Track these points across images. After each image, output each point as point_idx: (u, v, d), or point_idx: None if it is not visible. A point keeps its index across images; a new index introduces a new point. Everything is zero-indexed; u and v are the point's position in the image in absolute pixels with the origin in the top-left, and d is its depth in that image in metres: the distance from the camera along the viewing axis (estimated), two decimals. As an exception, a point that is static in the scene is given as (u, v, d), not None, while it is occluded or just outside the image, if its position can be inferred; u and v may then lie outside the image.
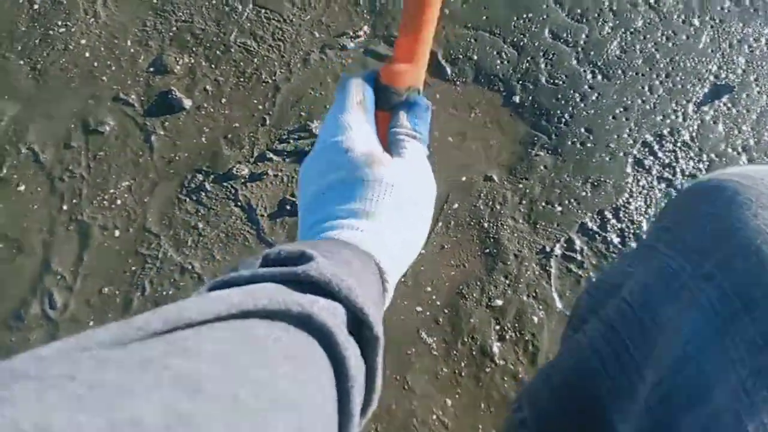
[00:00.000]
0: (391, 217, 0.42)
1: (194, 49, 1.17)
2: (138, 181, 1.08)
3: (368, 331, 0.34)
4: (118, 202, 1.06)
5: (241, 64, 1.16)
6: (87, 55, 1.18)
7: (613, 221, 1.04)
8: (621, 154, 1.10)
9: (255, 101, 1.13)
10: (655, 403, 0.40)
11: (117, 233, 1.04)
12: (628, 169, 1.09)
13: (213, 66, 1.16)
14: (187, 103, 1.12)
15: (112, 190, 1.07)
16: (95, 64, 1.17)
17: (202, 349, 0.24)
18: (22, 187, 1.08)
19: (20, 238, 1.04)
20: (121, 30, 1.20)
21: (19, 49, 1.19)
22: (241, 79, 1.15)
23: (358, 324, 0.34)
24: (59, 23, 1.20)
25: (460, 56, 1.19)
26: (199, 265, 1.01)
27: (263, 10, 1.20)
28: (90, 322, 0.97)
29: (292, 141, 1.10)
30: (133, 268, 1.01)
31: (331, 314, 0.31)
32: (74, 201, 1.07)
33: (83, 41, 1.19)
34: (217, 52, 1.17)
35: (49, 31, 1.20)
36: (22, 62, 1.18)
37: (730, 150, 1.11)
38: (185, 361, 0.22)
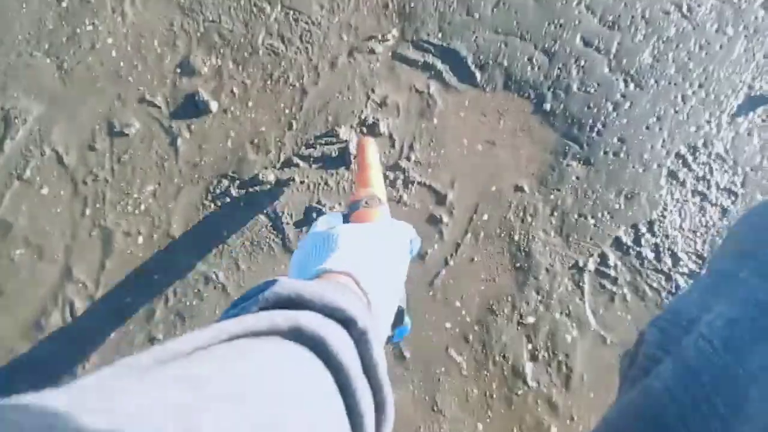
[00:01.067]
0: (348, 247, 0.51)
1: (221, 50, 1.15)
2: (163, 186, 1.06)
3: (354, 328, 0.36)
4: (142, 207, 1.05)
5: (269, 66, 1.13)
6: (113, 54, 1.16)
7: (648, 235, 1.02)
8: (655, 165, 1.07)
9: (282, 105, 1.11)
10: None
11: (140, 239, 1.03)
12: (662, 182, 1.06)
13: (240, 68, 1.14)
14: (214, 105, 1.10)
15: (136, 195, 1.05)
16: (121, 63, 1.15)
17: (212, 357, 0.26)
18: (45, 190, 1.07)
19: (42, 244, 1.03)
20: (148, 29, 1.18)
21: (46, 47, 1.17)
22: (268, 82, 1.12)
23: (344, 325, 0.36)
24: (87, 21, 1.18)
25: (490, 62, 1.16)
26: (224, 275, 0.99)
27: (291, 12, 1.18)
28: (111, 333, 0.96)
29: (318, 146, 1.08)
30: (156, 276, 1.00)
31: (318, 323, 0.33)
32: (97, 205, 1.05)
33: (110, 40, 1.17)
34: (245, 53, 1.15)
35: (77, 29, 1.18)
36: (48, 61, 1.16)
37: (765, 162, 1.09)
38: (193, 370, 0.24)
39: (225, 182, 1.06)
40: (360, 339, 0.36)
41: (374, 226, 0.59)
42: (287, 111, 1.10)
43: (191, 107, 1.10)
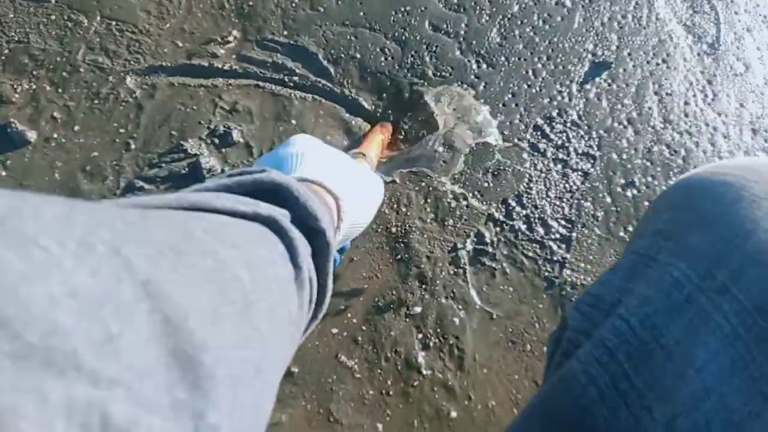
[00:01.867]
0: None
1: (34, 72, 1.00)
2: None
3: (320, 237, 0.39)
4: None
5: (94, 84, 1.01)
6: None
7: (518, 208, 1.02)
8: (515, 140, 1.08)
9: (115, 124, 0.98)
10: None
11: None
12: (524, 155, 1.07)
13: (60, 90, 1.00)
14: (32, 135, 0.95)
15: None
16: None
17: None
18: None
19: None
20: (-63, 58, 1.00)
21: None
22: (96, 102, 1.00)
23: (309, 232, 0.39)
24: None
25: (342, 55, 1.12)
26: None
27: (113, 22, 1.06)
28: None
29: (164, 165, 0.97)
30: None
31: (277, 211, 0.36)
32: None
33: None
34: (63, 73, 1.01)
35: None
36: None
37: (616, 124, 1.14)
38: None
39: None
40: (321, 248, 0.39)
41: (357, 164, 0.63)
42: (122, 130, 0.98)
43: (4, 141, 0.95)
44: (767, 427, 0.29)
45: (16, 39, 1.02)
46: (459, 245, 0.96)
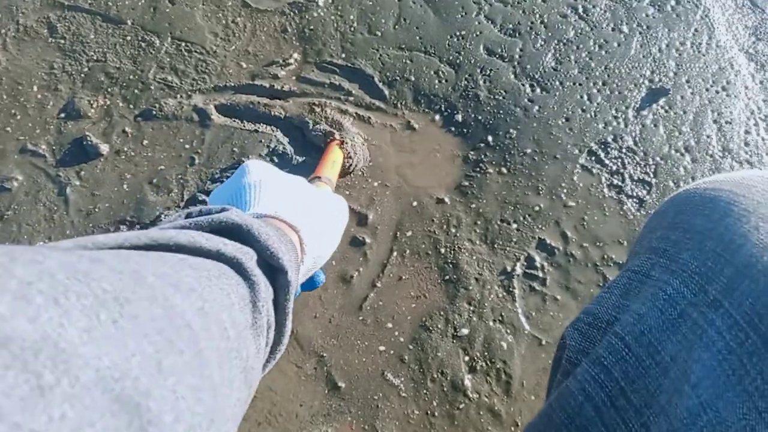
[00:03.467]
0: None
1: (109, 89, 1.07)
2: (54, 240, 0.96)
3: (282, 277, 0.39)
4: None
5: (163, 101, 1.07)
6: (-15, 104, 1.06)
7: (569, 233, 1.01)
8: (569, 165, 1.08)
9: (181, 140, 1.04)
10: None
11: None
12: (576, 179, 1.06)
13: (131, 106, 1.06)
14: (104, 148, 1.01)
15: (22, 253, 0.94)
16: (-4, 114, 1.05)
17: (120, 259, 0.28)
18: None
19: None
20: (25, 75, 1.08)
21: None
22: (164, 118, 1.05)
23: (271, 272, 0.39)
24: (-49, 72, 1.08)
25: (397, 78, 1.14)
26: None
27: (183, 43, 1.12)
28: None
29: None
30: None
31: (241, 251, 0.36)
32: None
33: (-20, 90, 1.06)
34: (135, 90, 1.07)
35: (-60, 81, 1.07)
36: None
37: (673, 152, 1.11)
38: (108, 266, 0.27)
39: (123, 228, 0.97)
40: (282, 288, 0.39)
41: (317, 189, 0.62)
42: (187, 146, 1.03)
43: (80, 152, 1.01)
44: None
45: (95, 58, 1.10)
46: (509, 268, 0.95)
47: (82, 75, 1.08)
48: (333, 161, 0.93)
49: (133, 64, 1.10)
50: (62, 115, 1.05)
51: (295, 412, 0.83)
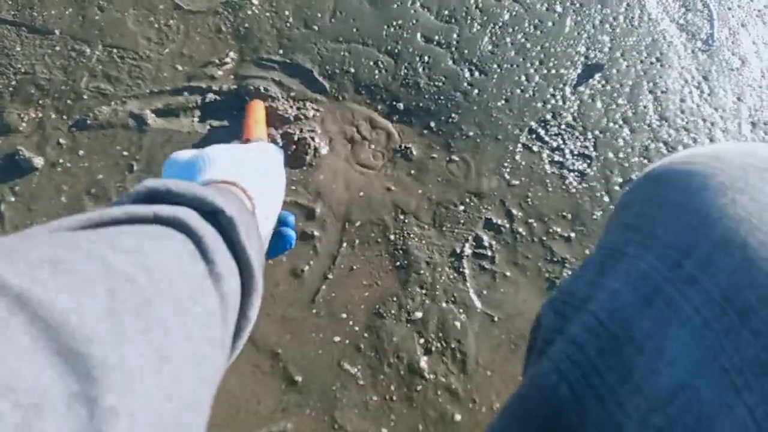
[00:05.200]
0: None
1: (40, 101, 1.04)
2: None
3: (223, 217, 0.39)
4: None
5: (97, 110, 1.04)
6: None
7: (515, 211, 1.03)
8: (510, 144, 1.09)
9: (118, 147, 1.02)
10: None
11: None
12: (518, 158, 1.08)
13: (65, 117, 1.03)
14: (39, 161, 0.98)
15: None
16: None
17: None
18: None
19: None
20: (-52, 92, 1.05)
21: None
22: (99, 127, 1.03)
23: (216, 221, 0.39)
24: None
25: (337, 71, 1.15)
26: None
27: (115, 50, 1.09)
28: None
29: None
30: None
31: (178, 211, 0.36)
32: None
33: None
34: (68, 101, 1.05)
35: None
36: None
37: (612, 124, 1.14)
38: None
39: (65, 241, 0.94)
40: (228, 225, 0.39)
41: (246, 145, 0.64)
42: (125, 153, 1.01)
43: (13, 168, 0.98)
44: (740, 419, 0.28)
45: (23, 70, 1.07)
46: (458, 250, 0.97)
47: (10, 88, 1.05)
48: (256, 120, 0.94)
49: (64, 74, 1.07)
50: (-8, 131, 1.02)
51: (254, 411, 0.83)
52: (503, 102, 1.14)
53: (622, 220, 0.43)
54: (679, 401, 0.31)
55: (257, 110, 0.97)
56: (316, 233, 0.98)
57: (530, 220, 1.01)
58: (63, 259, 0.26)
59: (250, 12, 1.18)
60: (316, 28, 1.19)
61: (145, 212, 0.35)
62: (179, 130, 1.04)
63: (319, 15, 1.21)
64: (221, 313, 0.35)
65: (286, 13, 1.20)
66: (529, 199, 1.04)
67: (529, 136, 1.11)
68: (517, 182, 1.05)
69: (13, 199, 0.97)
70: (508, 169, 1.06)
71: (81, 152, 1.01)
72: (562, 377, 0.39)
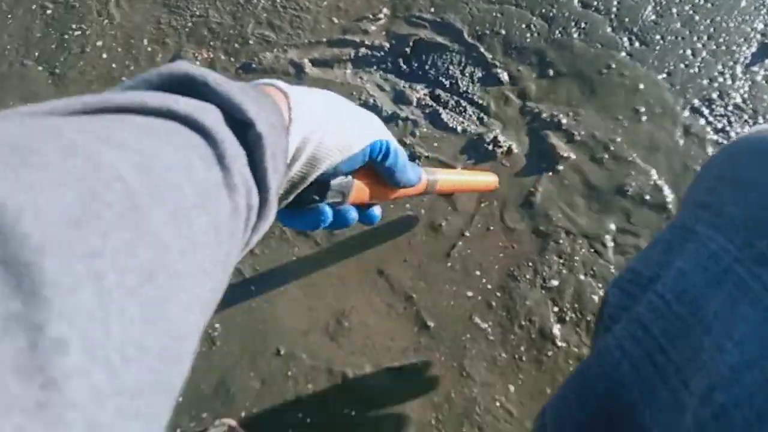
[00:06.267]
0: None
1: (212, 43, 1.13)
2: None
3: (251, 131, 0.33)
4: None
5: (261, 55, 1.11)
6: (104, 56, 1.15)
7: (667, 191, 0.97)
8: (669, 122, 1.03)
9: (278, 90, 1.08)
10: (707, 419, 0.31)
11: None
12: (677, 137, 1.01)
13: (232, 59, 1.11)
14: (208, 97, 1.08)
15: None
16: (113, 65, 1.14)
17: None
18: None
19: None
20: (137, 29, 1.17)
21: (36, 55, 1.17)
22: (262, 71, 1.10)
23: (243, 131, 0.34)
24: (74, 26, 1.18)
25: (487, 31, 1.13)
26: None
27: (279, 0, 1.16)
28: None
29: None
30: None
31: (198, 108, 0.31)
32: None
33: (99, 43, 1.16)
34: (236, 44, 1.13)
35: (64, 35, 1.17)
36: (40, 68, 1.15)
37: (787, 109, 1.03)
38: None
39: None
40: (256, 143, 0.34)
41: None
42: (283, 96, 1.08)
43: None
44: None
45: (198, 14, 1.16)
46: (605, 225, 0.93)
47: (187, 29, 1.15)
48: None
49: (233, 19, 1.15)
50: (169, 67, 1.12)
51: (387, 346, 0.86)
52: (665, 75, 1.07)
53: (694, 196, 0.41)
54: (746, 380, 0.30)
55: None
56: (454, 191, 0.98)
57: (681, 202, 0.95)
58: (34, 149, 0.21)
59: (406, -31, 1.20)
60: (469, -12, 1.18)
61: (158, 103, 0.29)
62: (333, 80, 1.09)
63: (475, -25, 1.19)
64: (231, 227, 0.31)
65: (442, -29, 1.20)
66: (680, 179, 0.97)
67: (691, 115, 1.03)
68: (674, 163, 0.99)
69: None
70: (664, 148, 1.00)
71: (244, 92, 1.08)
72: (624, 354, 0.39)
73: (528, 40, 1.12)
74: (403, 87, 1.08)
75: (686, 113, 1.03)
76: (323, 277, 0.93)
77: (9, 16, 1.21)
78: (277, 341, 0.89)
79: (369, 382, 0.84)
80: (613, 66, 1.08)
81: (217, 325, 0.91)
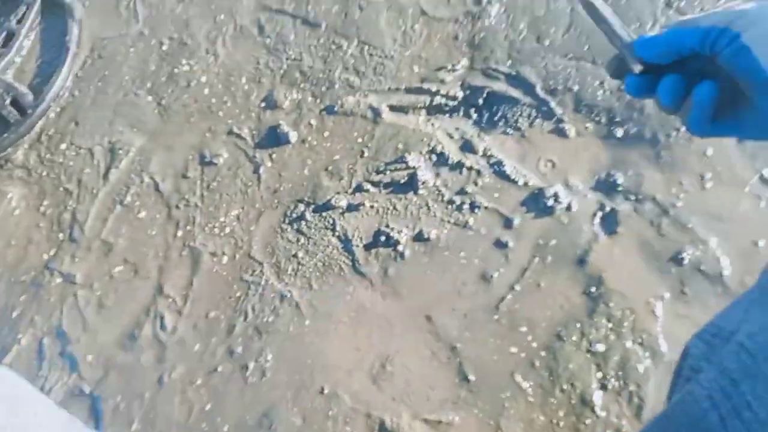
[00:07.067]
0: None
1: (302, 85, 1.24)
2: (245, 210, 1.15)
3: None
4: (227, 230, 1.14)
5: (344, 99, 1.21)
6: (206, 91, 1.29)
7: (728, 261, 0.96)
8: (737, 190, 1.01)
9: (355, 134, 1.17)
10: None
11: (225, 259, 1.11)
12: (743, 206, 1.00)
13: (318, 101, 1.22)
14: (293, 136, 1.18)
15: (222, 219, 1.15)
16: (213, 99, 1.28)
17: None
18: (142, 214, 1.19)
19: (138, 262, 1.14)
20: (237, 68, 1.30)
21: (149, 86, 1.33)
22: (344, 114, 1.20)
23: None
24: (183, 62, 1.33)
25: (560, 86, 1.16)
26: (297, 293, 1.05)
27: (367, 46, 1.25)
28: (196, 345, 1.04)
29: (388, 172, 1.12)
30: (238, 294, 1.07)
31: None
32: (188, 228, 1.16)
33: (203, 78, 1.30)
34: (323, 88, 1.23)
35: (175, 69, 1.33)
36: (150, 98, 1.31)
37: None
38: None
39: (301, 206, 1.13)
40: None
41: None
42: (360, 140, 1.16)
43: (273, 138, 1.20)
44: None
45: (293, 57, 1.28)
46: (659, 291, 0.94)
47: (282, 71, 1.27)
48: None
49: (323, 63, 1.25)
50: (263, 104, 1.24)
51: (427, 395, 0.92)
52: (735, 141, 1.06)
53: None
54: None
55: None
56: (510, 243, 1.03)
57: (744, 277, 0.94)
58: None
59: (487, 22, 1.25)
60: (547, 42, 1.21)
61: None
62: (406, 126, 1.16)
63: (553, 30, 1.22)
64: None
65: (521, 26, 1.24)
66: (743, 247, 0.96)
67: (759, 183, 1.02)
68: (738, 228, 0.98)
69: (269, 164, 1.18)
70: (728, 215, 0.99)
71: (326, 134, 1.18)
72: (713, 406, 0.42)
73: (599, 98, 1.14)
74: (471, 136, 1.14)
75: (754, 180, 1.02)
76: (373, 318, 1.01)
77: (132, 49, 1.38)
78: (322, 379, 0.96)
79: None
80: (682, 129, 1.08)
81: (270, 357, 1.01)
